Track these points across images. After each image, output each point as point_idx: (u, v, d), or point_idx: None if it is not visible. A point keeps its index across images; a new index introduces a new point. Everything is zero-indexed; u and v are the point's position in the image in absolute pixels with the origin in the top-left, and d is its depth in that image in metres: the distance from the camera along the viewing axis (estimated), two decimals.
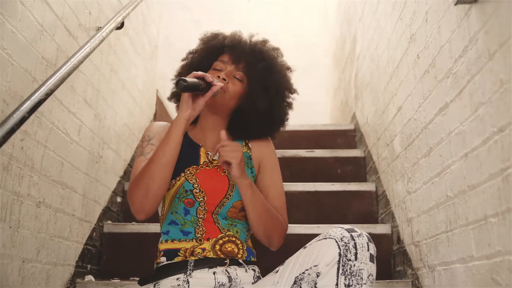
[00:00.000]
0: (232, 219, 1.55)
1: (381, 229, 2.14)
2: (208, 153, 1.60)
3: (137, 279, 2.03)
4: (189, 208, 1.51)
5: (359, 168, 2.73)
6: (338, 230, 1.28)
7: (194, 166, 1.55)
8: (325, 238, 1.29)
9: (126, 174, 2.54)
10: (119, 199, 2.40)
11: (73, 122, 1.81)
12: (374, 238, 2.11)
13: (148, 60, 3.05)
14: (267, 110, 1.58)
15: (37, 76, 1.51)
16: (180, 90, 1.38)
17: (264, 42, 1.68)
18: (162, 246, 1.50)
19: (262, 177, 1.63)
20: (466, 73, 1.26)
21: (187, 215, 1.52)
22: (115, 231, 2.18)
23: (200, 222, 1.51)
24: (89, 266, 1.99)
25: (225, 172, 1.57)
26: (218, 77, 1.53)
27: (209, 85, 1.45)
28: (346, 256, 1.22)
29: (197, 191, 1.51)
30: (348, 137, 3.09)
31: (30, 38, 1.46)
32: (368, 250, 1.24)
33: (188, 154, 1.55)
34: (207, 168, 1.56)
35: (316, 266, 1.26)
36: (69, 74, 1.43)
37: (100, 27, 1.99)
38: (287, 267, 1.37)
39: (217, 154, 1.57)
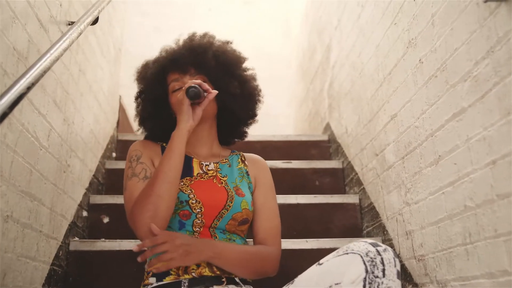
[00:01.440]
0: (231, 234, 1.44)
1: None
2: (202, 163, 1.50)
3: None
4: (185, 221, 1.38)
5: (337, 180, 2.64)
6: (361, 244, 1.16)
7: (188, 178, 1.44)
8: (347, 254, 1.17)
9: (92, 186, 2.31)
10: (84, 213, 2.17)
11: (43, 125, 1.60)
12: None
13: (113, 63, 2.83)
14: (241, 96, 1.54)
15: (8, 70, 1.30)
16: (194, 98, 1.36)
17: (194, 37, 1.59)
18: (151, 267, 1.31)
19: (257, 196, 1.53)
20: (493, 75, 1.19)
21: (181, 229, 1.37)
22: (83, 249, 1.95)
23: (196, 236, 1.36)
24: None
25: (222, 183, 1.46)
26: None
27: (203, 93, 1.40)
28: (373, 272, 1.11)
29: (194, 201, 1.38)
30: (322, 148, 3.00)
31: (1, 25, 1.25)
32: (395, 266, 1.14)
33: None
34: (202, 179, 1.46)
35: (338, 284, 1.14)
36: (51, 65, 1.24)
37: (72, 22, 1.81)
38: (298, 286, 1.23)
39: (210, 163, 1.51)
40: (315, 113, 3.47)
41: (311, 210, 2.32)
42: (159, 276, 1.34)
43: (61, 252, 1.83)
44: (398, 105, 1.84)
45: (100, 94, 2.49)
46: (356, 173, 2.41)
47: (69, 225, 1.94)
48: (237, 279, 1.38)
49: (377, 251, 1.14)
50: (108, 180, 2.58)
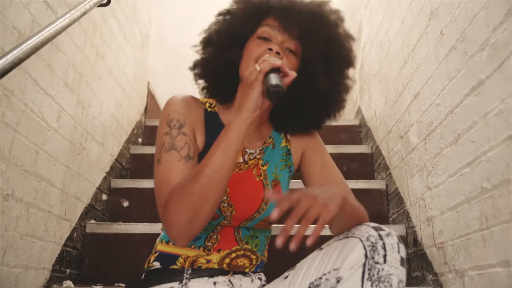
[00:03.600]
0: (256, 229, 1.27)
1: (394, 230, 1.92)
2: (246, 151, 1.25)
3: (122, 285, 1.82)
4: (211, 221, 1.20)
5: (366, 166, 2.53)
6: (363, 228, 1.04)
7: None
8: (347, 237, 1.06)
9: (113, 170, 2.32)
10: (104, 197, 2.18)
11: (51, 106, 1.60)
12: None
13: (139, 49, 2.84)
14: (325, 92, 1.23)
15: (6, 48, 1.30)
16: (278, 100, 1.01)
17: (323, 2, 1.25)
18: (160, 247, 1.22)
19: (313, 178, 1.30)
20: (511, 41, 1.07)
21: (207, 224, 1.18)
22: (99, 232, 1.96)
23: (218, 230, 1.21)
24: (68, 270, 1.77)
25: (260, 175, 1.23)
26: (270, 49, 1.16)
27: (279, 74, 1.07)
28: (373, 258, 0.99)
29: (225, 205, 1.19)
30: (353, 132, 2.89)
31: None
32: (399, 252, 1.00)
33: None
34: (240, 171, 1.22)
35: (336, 270, 1.04)
36: (42, 44, 1.22)
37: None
38: (299, 272, 1.15)
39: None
40: (348, 98, 3.34)
41: None
42: (165, 262, 1.21)
43: (75, 234, 1.84)
44: (420, 83, 1.71)
45: (123, 79, 2.50)
46: (384, 158, 2.29)
47: (85, 207, 1.95)
48: (247, 269, 1.28)
49: (379, 235, 1.02)
50: (133, 165, 2.59)
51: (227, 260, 1.20)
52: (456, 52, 1.38)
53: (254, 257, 1.25)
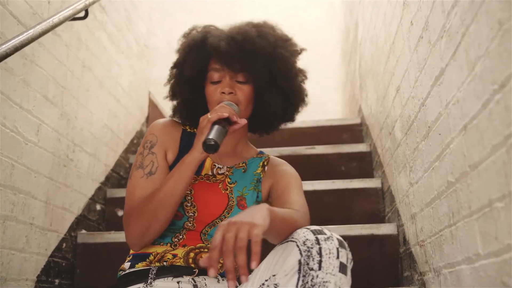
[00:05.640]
0: None
1: (386, 229, 1.87)
2: (214, 165, 1.35)
3: None
4: (176, 220, 1.29)
5: (365, 164, 2.47)
6: (302, 232, 1.00)
7: (194, 176, 1.29)
8: (287, 241, 1.03)
9: (109, 180, 2.34)
10: (98, 207, 2.20)
11: (28, 120, 1.62)
12: (378, 239, 1.87)
13: (136, 59, 2.86)
14: (284, 100, 1.35)
15: None
16: (213, 152, 1.12)
17: (249, 26, 1.34)
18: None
19: (273, 191, 1.34)
20: (460, 25, 1.02)
21: (172, 226, 1.29)
22: (90, 241, 1.98)
23: (183, 232, 1.28)
24: (57, 280, 1.79)
25: (227, 189, 1.32)
26: (223, 93, 1.28)
27: (230, 121, 1.19)
28: (307, 264, 0.96)
29: (189, 204, 1.28)
30: (354, 131, 2.83)
31: None
32: (338, 257, 0.96)
33: None
34: (207, 181, 1.32)
35: (274, 276, 1.01)
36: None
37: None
38: (253, 276, 1.13)
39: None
40: (353, 96, 3.29)
41: (330, 196, 2.18)
42: (135, 261, 1.30)
43: (64, 244, 1.86)
44: (400, 76, 1.66)
45: (118, 89, 2.52)
46: (379, 156, 2.23)
47: (76, 218, 1.97)
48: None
49: (317, 239, 0.97)
50: None
51: (192, 254, 1.24)
52: (423, 41, 1.33)
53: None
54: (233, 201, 1.31)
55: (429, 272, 1.39)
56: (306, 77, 1.39)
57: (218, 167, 1.35)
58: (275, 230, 1.03)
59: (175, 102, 1.44)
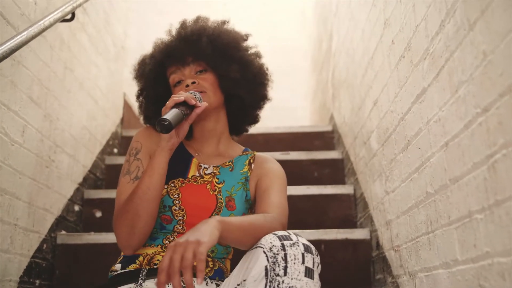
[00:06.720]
0: None
1: (359, 234, 1.97)
2: (200, 166, 1.40)
3: None
4: (166, 225, 1.34)
5: (337, 171, 2.57)
6: (269, 237, 1.04)
7: (181, 179, 1.36)
8: (256, 247, 1.07)
9: (86, 181, 2.34)
10: (77, 208, 2.20)
11: (15, 121, 1.62)
12: (352, 243, 1.97)
13: (113, 61, 2.87)
14: (244, 79, 1.42)
15: None
16: (166, 132, 1.17)
17: (185, 25, 1.47)
18: None
19: (259, 187, 1.39)
20: (444, 51, 1.12)
21: (162, 230, 1.34)
22: (70, 242, 1.98)
23: (174, 234, 1.33)
24: (38, 281, 1.79)
25: (215, 190, 1.36)
26: (187, 86, 1.37)
27: (192, 107, 1.26)
28: (274, 270, 0.99)
29: (177, 208, 1.32)
30: (326, 138, 2.93)
31: None
32: (304, 263, 1.00)
33: (177, 164, 1.37)
34: (195, 183, 1.36)
35: (244, 281, 1.05)
36: None
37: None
38: (228, 279, 1.18)
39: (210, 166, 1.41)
40: (324, 104, 3.40)
41: (305, 201, 2.27)
42: (126, 263, 1.33)
43: (45, 245, 1.86)
44: (378, 90, 1.76)
45: (96, 91, 2.53)
46: (351, 163, 2.34)
47: (56, 219, 1.97)
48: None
49: (282, 245, 1.01)
50: (108, 175, 2.62)
51: None
52: (404, 60, 1.43)
53: (209, 259, 1.31)
54: (222, 203, 1.35)
55: (403, 275, 1.49)
56: (260, 56, 1.49)
57: (205, 167, 1.40)
58: (232, 240, 1.09)
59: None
